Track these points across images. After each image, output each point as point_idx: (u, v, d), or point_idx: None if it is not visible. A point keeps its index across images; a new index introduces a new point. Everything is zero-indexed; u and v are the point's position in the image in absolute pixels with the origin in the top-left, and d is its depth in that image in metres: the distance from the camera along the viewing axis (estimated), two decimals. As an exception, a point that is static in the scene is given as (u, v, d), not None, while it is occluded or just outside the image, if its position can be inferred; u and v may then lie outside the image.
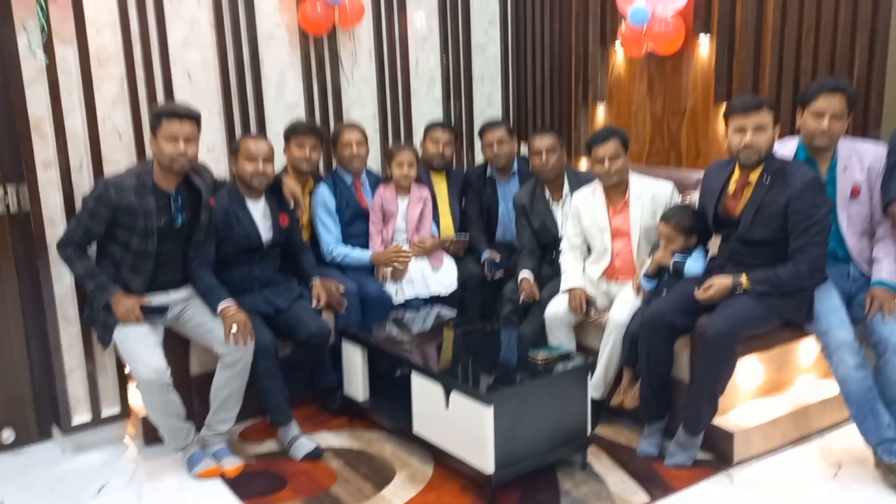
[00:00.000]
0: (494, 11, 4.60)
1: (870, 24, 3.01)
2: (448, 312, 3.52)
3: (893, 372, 2.66)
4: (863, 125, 3.10)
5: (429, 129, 4.00)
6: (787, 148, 2.96)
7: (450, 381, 2.73)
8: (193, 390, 3.14)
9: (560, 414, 2.74)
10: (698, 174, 3.24)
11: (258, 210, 3.19)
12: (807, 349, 3.14)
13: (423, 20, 4.33)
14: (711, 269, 2.96)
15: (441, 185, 4.01)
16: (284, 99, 3.91)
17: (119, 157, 3.29)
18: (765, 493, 2.68)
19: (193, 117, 2.87)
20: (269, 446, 3.15)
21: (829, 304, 2.76)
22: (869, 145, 2.89)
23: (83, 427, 3.22)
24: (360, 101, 4.18)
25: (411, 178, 3.71)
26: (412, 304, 3.62)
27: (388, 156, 3.80)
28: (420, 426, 2.89)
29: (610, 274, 3.31)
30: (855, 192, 2.83)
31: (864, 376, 2.64)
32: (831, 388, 2.98)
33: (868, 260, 2.88)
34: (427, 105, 4.42)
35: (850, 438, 2.94)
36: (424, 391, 2.83)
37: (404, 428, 2.98)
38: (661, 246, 3.06)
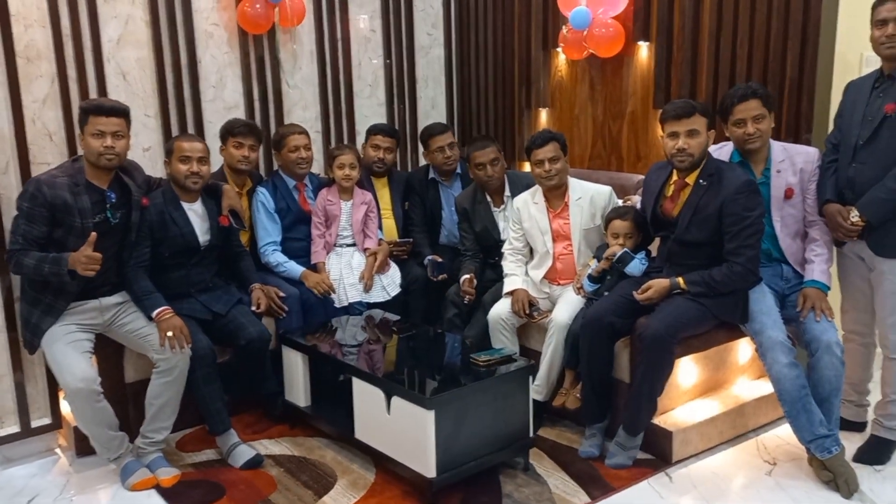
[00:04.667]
0: (438, 13, 4.60)
1: (801, 32, 3.10)
2: (391, 317, 3.49)
3: (825, 370, 2.73)
4: (795, 129, 3.19)
5: (370, 133, 3.97)
6: (723, 151, 3.02)
7: (391, 385, 2.70)
8: (129, 398, 3.05)
9: (502, 416, 2.74)
10: (639, 177, 3.29)
11: (194, 212, 3.11)
12: (742, 349, 3.21)
13: (365, 21, 4.30)
14: (650, 271, 3.00)
15: (383, 190, 3.99)
16: (223, 99, 3.84)
17: (50, 159, 3.19)
18: (702, 492, 2.72)
19: (121, 112, 2.79)
20: (207, 455, 3.07)
21: (763, 304, 2.82)
22: (801, 148, 2.97)
23: (11, 438, 3.09)
24: (303, 103, 4.13)
25: (353, 180, 3.67)
26: (354, 309, 3.58)
27: (329, 158, 3.76)
28: (362, 432, 2.86)
29: (552, 276, 3.33)
30: (788, 195, 2.90)
31: (796, 375, 2.70)
32: (766, 387, 3.04)
33: (801, 261, 2.95)
34: (370, 107, 4.39)
35: (784, 436, 3.01)
36: (366, 396, 2.79)
37: (346, 434, 2.94)
38: (616, 244, 3.07)
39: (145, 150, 3.56)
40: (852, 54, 3.35)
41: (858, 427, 3.08)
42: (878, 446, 2.90)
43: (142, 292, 2.92)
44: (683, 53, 3.50)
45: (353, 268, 3.62)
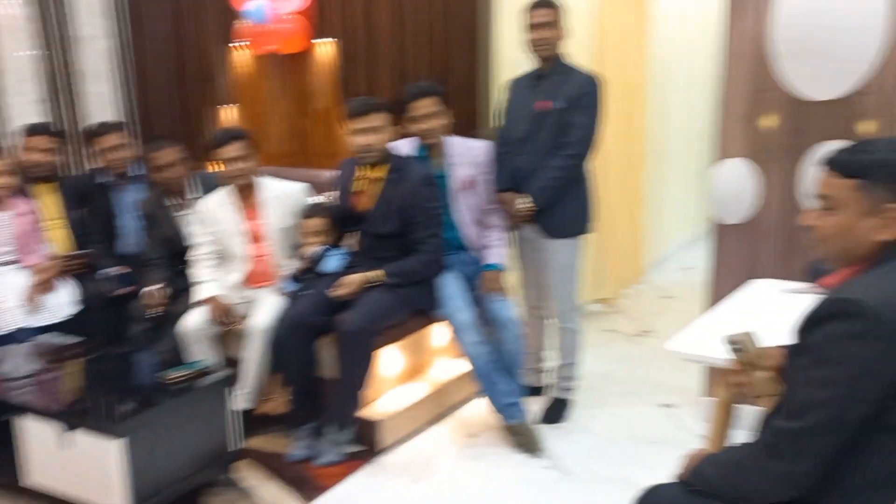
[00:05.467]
0: (102, 0, 4.17)
1: (464, 33, 3.34)
2: (66, 340, 3.09)
3: (506, 343, 2.99)
4: (468, 124, 3.43)
5: (26, 134, 3.47)
6: (409, 145, 3.15)
7: (70, 418, 2.38)
8: None
9: (201, 433, 2.57)
10: (332, 173, 3.29)
11: None
12: (439, 333, 3.39)
13: (13, 8, 3.75)
14: (349, 265, 3.03)
15: (49, 197, 3.51)
16: None
17: None
18: (412, 473, 2.82)
19: None
20: None
21: (451, 289, 3.00)
22: (476, 142, 3.20)
23: None
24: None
25: (9, 189, 3.18)
26: (18, 336, 3.10)
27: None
28: (36, 476, 2.49)
29: (249, 280, 3.20)
30: (467, 185, 3.11)
31: (485, 351, 2.92)
32: (463, 366, 3.25)
33: (481, 245, 3.19)
34: (24, 105, 3.84)
35: (481, 409, 3.24)
36: (39, 435, 2.43)
37: (13, 481, 2.54)
38: (309, 242, 3.04)
39: None
40: (512, 54, 3.70)
41: (541, 391, 3.43)
42: (557, 406, 3.25)
43: None
44: (363, 51, 3.58)
45: (12, 289, 3.14)
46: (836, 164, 1.46)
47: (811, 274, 2.37)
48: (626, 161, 4.72)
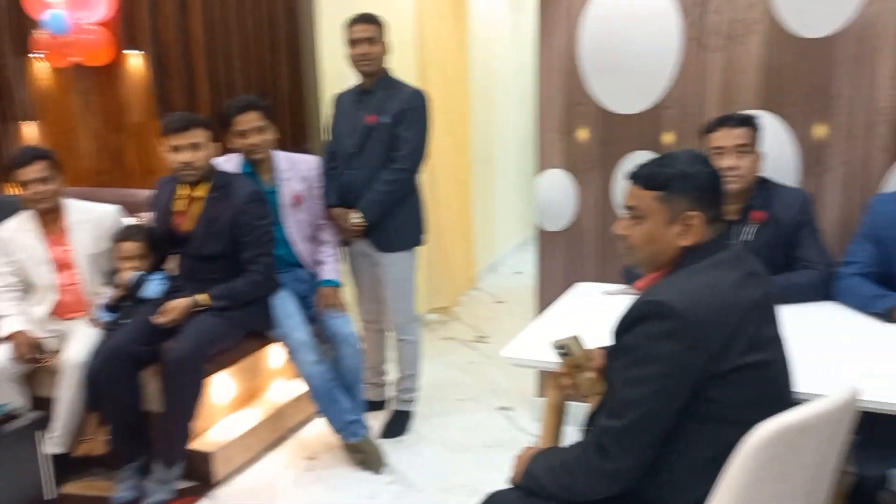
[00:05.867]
0: None
1: (287, 48, 3.27)
2: None
3: (346, 360, 2.95)
4: (295, 139, 3.36)
5: None
6: (232, 162, 3.02)
7: None
8: None
9: (11, 483, 2.32)
10: (149, 193, 3.09)
11: None
12: (274, 354, 3.28)
13: None
14: (171, 290, 2.85)
15: None
16: None
17: None
18: (250, 503, 2.71)
19: None
20: None
21: (286, 308, 2.91)
22: (303, 157, 3.14)
23: None
24: None
25: None
26: None
27: None
28: None
29: (59, 311, 2.93)
30: (297, 201, 3.04)
31: (323, 370, 2.85)
32: (300, 387, 3.16)
33: (315, 262, 3.12)
34: None
35: (320, 430, 3.17)
36: None
37: None
38: (125, 268, 2.83)
39: None
40: (335, 69, 3.67)
41: (381, 406, 3.41)
42: (399, 419, 3.25)
43: None
44: (178, 65, 3.40)
45: None
46: (640, 178, 1.57)
47: (626, 277, 2.53)
48: (455, 172, 4.84)
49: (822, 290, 2.37)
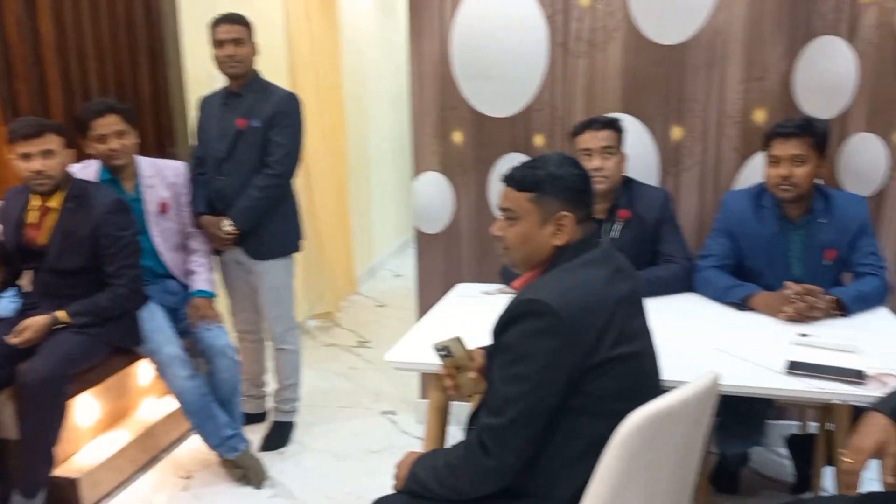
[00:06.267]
0: None
1: (148, 48, 3.11)
2: None
3: (221, 373, 2.84)
4: (159, 144, 3.20)
5: None
6: (89, 169, 2.85)
7: None
8: None
9: None
10: (-4, 204, 2.85)
11: None
12: (143, 371, 3.11)
13: None
14: (26, 308, 2.65)
15: None
16: None
17: None
18: (121, 532, 2.56)
19: None
20: None
21: (155, 322, 2.77)
22: (169, 163, 3.00)
23: None
24: None
25: None
26: None
27: None
28: None
29: None
30: (163, 209, 2.90)
31: (197, 385, 2.74)
32: (172, 404, 3.02)
33: (186, 272, 2.99)
34: None
35: (196, 447, 3.04)
36: None
37: None
38: None
39: None
40: (201, 71, 3.53)
41: (260, 418, 3.31)
42: (279, 430, 3.17)
43: None
44: (26, 66, 3.16)
45: None
46: (513, 180, 1.61)
47: (504, 277, 2.59)
48: (330, 176, 4.78)
49: (684, 283, 2.52)
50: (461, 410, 1.79)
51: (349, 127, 5.21)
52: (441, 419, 2.06)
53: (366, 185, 5.93)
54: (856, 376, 1.75)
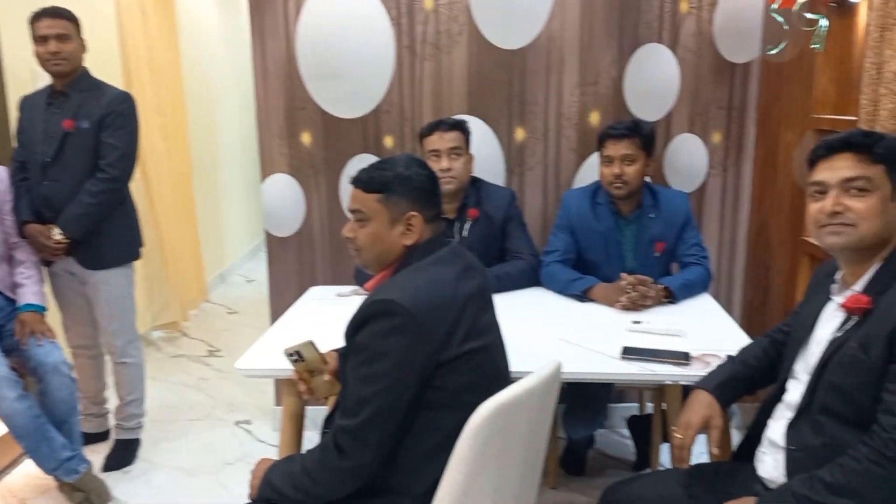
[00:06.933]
0: None
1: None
2: None
3: (56, 391, 2.63)
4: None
5: None
6: None
7: None
8: None
9: None
10: None
11: None
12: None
13: None
14: None
15: None
16: None
17: None
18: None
19: None
20: None
21: (-23, 341, 2.53)
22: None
23: None
24: None
25: None
26: None
27: None
28: None
29: None
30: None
31: (28, 406, 2.53)
32: (1, 428, 2.77)
33: (12, 285, 2.76)
34: None
35: (31, 472, 2.81)
36: None
37: None
38: None
39: None
40: (22, 69, 3.26)
41: (103, 437, 3.12)
42: (123, 449, 3.00)
43: None
44: None
45: None
46: (361, 182, 1.62)
47: (358, 278, 2.59)
48: (173, 179, 4.57)
49: (531, 278, 2.63)
50: (319, 415, 1.77)
51: (193, 127, 5.00)
52: (296, 425, 2.03)
53: (213, 187, 5.72)
54: (682, 358, 1.90)
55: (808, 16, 2.42)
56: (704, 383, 1.73)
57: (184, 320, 4.67)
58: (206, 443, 3.15)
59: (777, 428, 1.58)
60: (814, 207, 1.51)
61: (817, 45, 2.44)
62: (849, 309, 1.47)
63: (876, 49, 2.11)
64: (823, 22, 2.41)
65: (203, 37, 5.45)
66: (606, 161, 2.53)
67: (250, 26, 2.90)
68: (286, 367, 1.76)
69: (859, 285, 1.49)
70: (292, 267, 3.10)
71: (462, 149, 2.59)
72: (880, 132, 1.56)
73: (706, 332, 2.15)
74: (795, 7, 2.44)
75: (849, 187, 1.47)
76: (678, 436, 1.66)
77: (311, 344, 1.72)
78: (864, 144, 1.47)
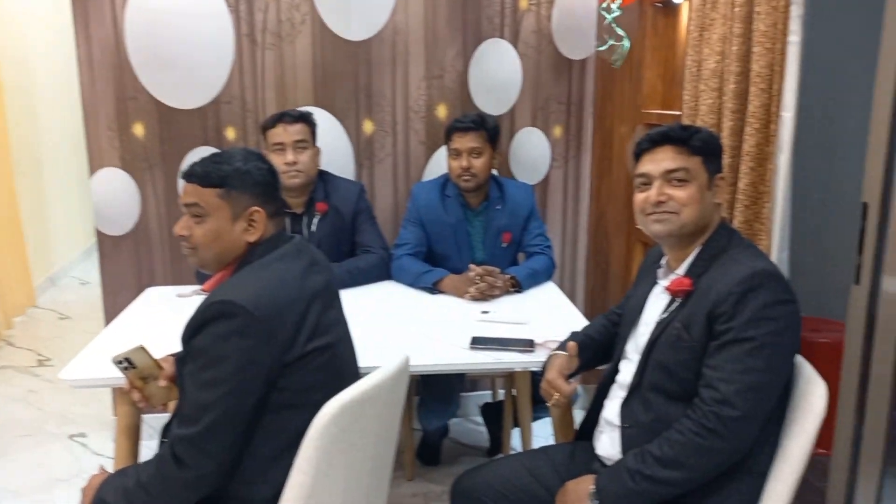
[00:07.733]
0: None
1: None
2: None
3: None
4: None
5: None
6: None
7: None
8: None
9: None
10: None
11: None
12: None
13: None
14: None
15: None
16: None
17: None
18: None
19: None
20: None
21: None
22: None
23: None
24: None
25: None
26: None
27: None
28: None
29: None
30: None
31: None
32: None
33: None
34: None
35: None
36: None
37: None
38: None
39: None
40: None
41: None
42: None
43: None
44: None
45: None
46: (196, 176, 1.54)
47: (199, 278, 2.47)
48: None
49: (381, 271, 2.61)
50: (162, 423, 1.67)
51: (12, 121, 4.57)
52: (132, 436, 1.91)
53: (39, 185, 5.27)
54: (527, 345, 1.96)
55: (618, 31, 2.57)
56: (558, 350, 1.80)
57: (7, 328, 4.27)
58: (35, 460, 2.90)
59: (612, 407, 1.66)
60: (640, 197, 1.61)
61: (617, 62, 2.61)
62: (672, 292, 1.57)
63: (696, 47, 2.26)
64: (626, 43, 2.58)
65: (23, 22, 4.99)
66: (454, 154, 2.56)
67: (72, 11, 2.68)
68: (118, 375, 1.65)
69: (682, 269, 1.59)
70: (128, 267, 2.91)
71: (308, 141, 2.53)
72: (697, 126, 1.66)
73: (550, 319, 2.23)
74: (608, 19, 2.59)
75: (670, 178, 1.56)
76: (556, 396, 1.70)
77: (142, 349, 1.61)
78: (681, 138, 1.57)
